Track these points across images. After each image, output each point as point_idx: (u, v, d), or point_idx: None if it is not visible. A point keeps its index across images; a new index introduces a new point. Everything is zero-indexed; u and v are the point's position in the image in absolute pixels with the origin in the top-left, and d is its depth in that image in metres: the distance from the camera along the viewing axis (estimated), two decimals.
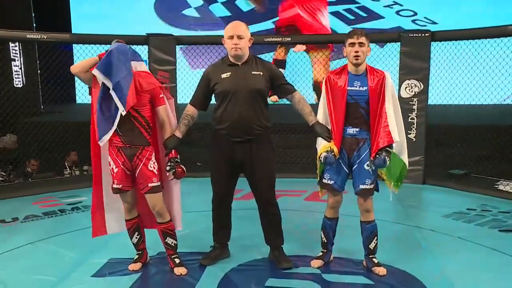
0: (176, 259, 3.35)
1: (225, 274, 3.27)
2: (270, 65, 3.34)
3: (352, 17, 10.82)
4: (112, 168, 3.18)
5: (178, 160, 3.22)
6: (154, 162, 3.20)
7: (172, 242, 3.34)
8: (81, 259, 3.51)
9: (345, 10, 10.98)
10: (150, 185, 3.17)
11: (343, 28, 10.79)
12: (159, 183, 3.21)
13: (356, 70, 3.13)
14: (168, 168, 3.19)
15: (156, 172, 3.20)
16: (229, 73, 3.21)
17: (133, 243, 3.38)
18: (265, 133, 3.28)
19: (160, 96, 3.20)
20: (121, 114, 3.03)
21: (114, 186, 3.20)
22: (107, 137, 3.08)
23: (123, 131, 3.12)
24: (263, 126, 3.25)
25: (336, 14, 10.90)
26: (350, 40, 3.08)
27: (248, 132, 3.20)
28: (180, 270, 3.29)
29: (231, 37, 3.17)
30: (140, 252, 3.41)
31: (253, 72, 3.21)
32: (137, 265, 3.35)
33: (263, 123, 3.24)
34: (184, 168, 3.22)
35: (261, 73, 3.22)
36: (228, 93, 3.18)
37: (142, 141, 3.17)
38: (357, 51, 3.06)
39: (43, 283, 3.15)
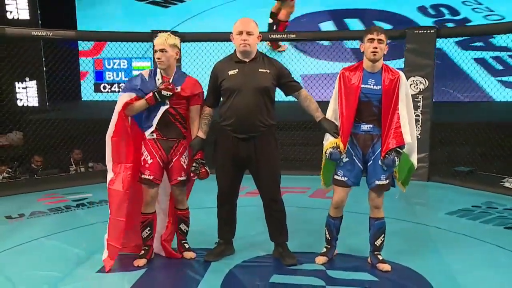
0: (185, 244, 3.51)
1: (229, 270, 3.28)
2: (277, 63, 3.34)
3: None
4: (145, 159, 3.29)
5: (203, 162, 3.30)
6: (186, 157, 3.36)
7: (184, 229, 3.49)
8: (86, 255, 3.53)
9: (493, 58, 9.61)
10: (179, 178, 3.35)
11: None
12: (186, 177, 3.36)
13: (372, 67, 3.12)
14: (193, 169, 3.27)
15: (186, 167, 3.35)
16: (236, 70, 3.21)
17: (142, 236, 3.40)
18: (270, 130, 3.28)
19: (197, 93, 3.32)
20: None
21: (145, 176, 3.28)
22: (151, 129, 3.26)
23: (159, 124, 3.26)
24: (268, 124, 3.25)
25: (481, 61, 9.41)
26: (369, 36, 3.08)
27: (252, 129, 3.21)
28: (189, 255, 3.46)
29: (240, 33, 3.17)
30: (146, 248, 3.42)
31: (260, 70, 3.22)
32: (142, 261, 3.37)
33: (268, 121, 3.24)
34: (208, 170, 3.29)
35: (268, 71, 3.23)
36: (235, 90, 3.19)
37: (178, 135, 3.33)
38: (375, 47, 3.05)
39: (48, 278, 3.16)
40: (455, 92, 9.11)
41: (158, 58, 3.20)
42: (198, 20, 10.57)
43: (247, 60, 3.24)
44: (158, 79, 3.25)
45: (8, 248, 3.70)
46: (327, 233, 3.40)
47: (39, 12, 9.35)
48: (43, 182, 5.92)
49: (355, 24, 10.10)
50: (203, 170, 3.27)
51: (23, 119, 7.17)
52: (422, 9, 10.22)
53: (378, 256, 3.30)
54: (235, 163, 3.32)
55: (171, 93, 3.17)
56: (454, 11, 10.14)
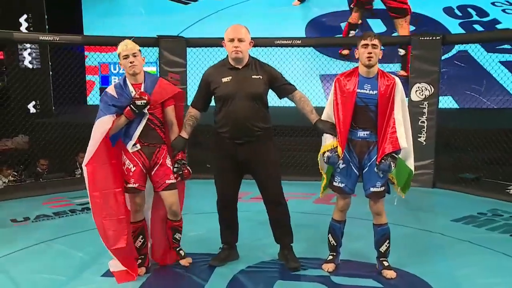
0: (181, 251, 3.47)
1: (233, 276, 3.28)
2: (269, 68, 3.36)
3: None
4: (128, 168, 3.22)
5: (185, 162, 3.30)
6: (170, 160, 3.30)
7: (178, 237, 3.44)
8: (91, 259, 3.54)
9: None
10: (167, 181, 3.26)
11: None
12: (175, 181, 3.28)
13: (367, 72, 3.13)
14: (175, 169, 3.26)
15: (171, 171, 3.29)
16: (230, 77, 3.23)
17: (136, 247, 3.35)
18: (266, 133, 3.30)
19: (171, 96, 3.28)
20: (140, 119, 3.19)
21: (130, 185, 3.22)
22: (134, 139, 3.20)
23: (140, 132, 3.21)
24: (263, 128, 3.27)
25: (509, 64, 8.95)
26: (363, 42, 3.09)
27: (249, 134, 3.23)
28: (187, 261, 3.42)
29: (232, 40, 3.19)
30: (142, 257, 3.38)
31: (253, 76, 3.25)
32: (142, 270, 3.32)
33: (262, 125, 3.26)
34: (190, 170, 3.30)
35: (261, 77, 3.26)
36: (229, 97, 3.21)
37: (158, 140, 3.27)
38: (370, 52, 3.06)
39: (53, 282, 3.18)
40: (481, 96, 8.79)
41: (131, 62, 3.13)
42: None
43: (240, 67, 3.25)
44: (132, 91, 3.17)
45: (13, 251, 3.72)
46: (331, 239, 3.39)
47: (46, 17, 9.41)
48: (48, 185, 5.94)
49: (377, 24, 9.83)
50: (186, 170, 3.28)
51: (29, 123, 7.21)
52: (448, 10, 9.80)
53: (384, 262, 3.29)
54: (233, 168, 3.33)
55: (145, 101, 3.11)
56: (482, 12, 9.66)
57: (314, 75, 8.28)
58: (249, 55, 3.31)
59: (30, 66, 9.01)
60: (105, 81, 10.81)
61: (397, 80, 3.15)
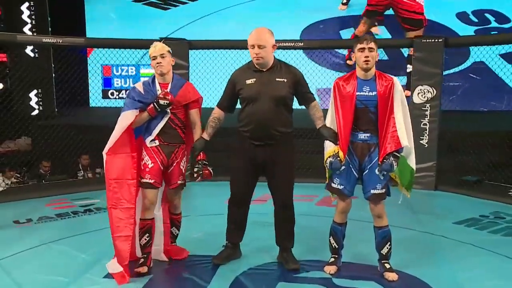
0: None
1: (235, 277, 3.28)
2: (294, 70, 3.37)
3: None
4: (146, 164, 3.32)
5: (206, 162, 3.35)
6: (184, 161, 3.43)
7: (175, 232, 3.59)
8: (93, 260, 3.54)
9: None
10: (179, 182, 3.40)
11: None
12: (184, 181, 3.43)
13: (365, 75, 3.15)
14: (196, 169, 3.32)
15: (184, 171, 3.42)
16: (254, 79, 3.26)
17: (140, 244, 3.38)
18: (286, 137, 3.32)
19: (194, 99, 3.39)
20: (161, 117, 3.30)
21: (145, 180, 3.30)
22: (153, 135, 3.31)
23: (161, 130, 3.32)
24: (284, 132, 3.29)
25: None
26: (359, 46, 3.11)
27: (269, 137, 3.25)
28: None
29: (253, 47, 3.21)
30: (145, 256, 3.38)
31: (277, 79, 3.26)
32: (144, 268, 3.32)
33: (284, 129, 3.29)
34: (211, 171, 3.34)
35: (285, 80, 3.27)
36: (252, 99, 3.24)
37: (178, 140, 3.39)
38: (367, 56, 3.08)
39: (55, 283, 3.18)
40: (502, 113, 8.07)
41: (159, 63, 3.26)
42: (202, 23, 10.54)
43: (264, 70, 3.27)
44: (158, 90, 3.29)
45: (16, 253, 3.72)
46: (333, 242, 3.39)
47: (49, 19, 9.44)
48: (51, 187, 5.95)
49: (382, 31, 9.40)
50: (206, 171, 3.33)
51: (32, 124, 7.24)
52: (463, 16, 9.09)
53: (386, 264, 3.29)
54: (251, 168, 3.36)
55: (168, 102, 3.22)
56: (502, 18, 8.85)
57: (311, 87, 8.20)
58: (274, 57, 3.32)
59: (31, 54, 9.06)
60: (107, 83, 10.82)
61: (395, 80, 3.17)
